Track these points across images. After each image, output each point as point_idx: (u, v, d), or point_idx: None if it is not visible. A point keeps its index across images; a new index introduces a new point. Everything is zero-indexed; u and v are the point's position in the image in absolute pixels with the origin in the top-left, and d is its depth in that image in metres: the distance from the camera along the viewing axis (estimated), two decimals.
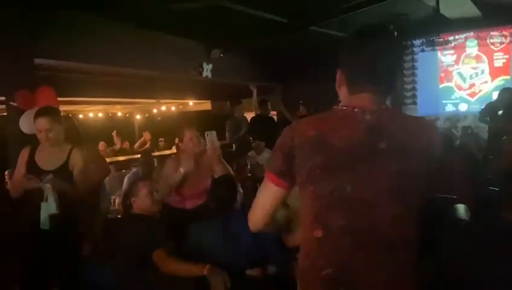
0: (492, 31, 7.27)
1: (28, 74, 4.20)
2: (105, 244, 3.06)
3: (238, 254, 2.36)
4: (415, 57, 7.90)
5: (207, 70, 6.53)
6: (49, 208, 2.52)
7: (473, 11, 6.32)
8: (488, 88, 7.38)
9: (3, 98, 4.27)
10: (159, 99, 9.58)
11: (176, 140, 3.40)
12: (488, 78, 7.46)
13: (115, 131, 8.76)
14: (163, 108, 10.62)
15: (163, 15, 4.92)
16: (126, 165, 6.66)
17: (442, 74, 7.83)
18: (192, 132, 3.26)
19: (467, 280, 1.66)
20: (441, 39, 6.79)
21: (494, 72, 7.39)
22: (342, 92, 1.31)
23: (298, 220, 1.32)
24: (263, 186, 1.35)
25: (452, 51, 7.64)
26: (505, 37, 7.18)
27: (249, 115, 6.97)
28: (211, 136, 3.10)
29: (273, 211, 1.34)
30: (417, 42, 7.58)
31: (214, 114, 9.39)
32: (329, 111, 1.28)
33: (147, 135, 9.22)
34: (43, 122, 2.69)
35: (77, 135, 3.66)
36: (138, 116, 11.59)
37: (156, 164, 5.54)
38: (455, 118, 7.55)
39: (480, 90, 7.53)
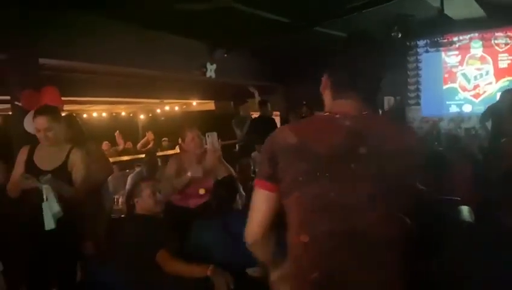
0: (497, 32, 7.24)
1: (33, 74, 4.22)
2: (108, 244, 3.06)
3: (239, 253, 2.36)
4: (419, 57, 7.88)
5: (211, 70, 6.54)
6: (52, 207, 2.48)
7: (477, 11, 6.30)
8: (493, 89, 7.34)
9: (8, 98, 4.29)
10: (163, 99, 9.60)
11: (179, 140, 3.41)
12: (493, 79, 7.43)
13: (117, 131, 8.77)
14: (167, 108, 10.64)
15: (167, 15, 4.93)
16: (129, 165, 6.68)
17: (446, 75, 7.80)
18: (193, 132, 3.27)
19: (468, 281, 1.66)
20: (445, 40, 6.75)
21: (499, 73, 7.36)
22: (326, 96, 1.37)
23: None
24: (254, 196, 1.35)
25: (456, 52, 7.61)
26: (510, 38, 7.14)
27: (255, 115, 7.00)
28: (212, 137, 3.11)
29: (269, 219, 1.33)
30: (421, 43, 7.55)
31: (218, 114, 9.41)
32: (311, 117, 1.32)
33: (149, 135, 9.24)
34: (42, 121, 2.65)
35: (81, 134, 3.67)
36: (142, 116, 11.62)
37: (159, 163, 5.57)
38: (459, 119, 7.52)
39: (484, 92, 7.50)
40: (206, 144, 3.21)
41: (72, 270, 2.72)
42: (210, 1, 4.41)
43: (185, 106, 10.66)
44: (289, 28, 5.88)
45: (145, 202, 2.66)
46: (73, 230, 2.70)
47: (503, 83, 7.25)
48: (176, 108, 10.56)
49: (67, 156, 2.70)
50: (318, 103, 1.43)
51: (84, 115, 10.11)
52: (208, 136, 3.12)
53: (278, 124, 6.81)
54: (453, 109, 7.72)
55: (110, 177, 4.54)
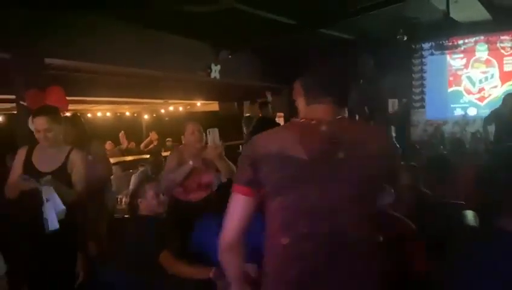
0: (503, 35, 7.22)
1: (38, 74, 4.23)
2: (111, 244, 3.06)
3: None
4: (424, 60, 7.87)
5: (215, 71, 6.55)
6: (56, 205, 2.42)
7: (483, 14, 6.28)
8: (498, 93, 7.31)
9: (13, 97, 4.31)
10: (167, 100, 9.62)
11: (183, 139, 3.42)
12: (498, 82, 7.40)
13: (122, 132, 8.79)
14: (171, 108, 10.66)
15: (171, 16, 4.94)
16: (133, 165, 6.69)
17: (451, 78, 7.78)
18: (194, 126, 3.28)
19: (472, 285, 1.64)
20: (451, 43, 6.74)
21: (504, 77, 7.33)
22: (300, 102, 1.43)
23: None
24: (232, 201, 1.36)
25: (461, 55, 7.60)
26: None
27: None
28: (213, 133, 3.09)
29: (245, 225, 1.35)
30: (426, 45, 7.55)
31: (222, 115, 9.41)
32: (288, 123, 1.38)
33: (153, 135, 9.27)
34: (41, 121, 2.58)
35: (84, 134, 3.67)
36: (146, 116, 11.64)
37: (164, 163, 5.57)
38: (463, 122, 7.50)
39: (489, 95, 7.47)
40: (208, 141, 3.20)
41: (73, 271, 2.69)
42: (214, 3, 4.41)
43: (189, 107, 10.68)
44: (293, 29, 5.88)
45: (148, 203, 2.66)
46: (74, 231, 2.67)
47: (509, 86, 7.23)
48: (180, 108, 10.58)
49: (67, 157, 2.65)
50: None
51: (89, 115, 10.14)
52: (209, 132, 3.10)
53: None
54: (458, 112, 7.70)
55: (113, 177, 4.56)
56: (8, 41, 4.00)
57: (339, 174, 1.26)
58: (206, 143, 3.17)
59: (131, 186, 4.82)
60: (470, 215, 2.32)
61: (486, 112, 6.62)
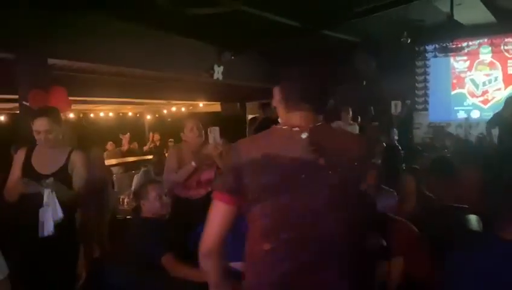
0: (507, 38, 7.18)
1: (41, 74, 4.24)
2: (112, 245, 3.06)
3: (241, 253, 2.35)
4: (427, 62, 7.84)
5: (218, 72, 6.55)
6: (54, 213, 2.39)
7: (487, 17, 6.26)
8: (501, 95, 7.27)
9: (16, 97, 4.32)
10: (169, 100, 9.62)
11: (182, 136, 3.42)
12: (502, 85, 7.37)
13: (128, 134, 8.79)
14: (174, 109, 10.67)
15: (175, 17, 4.94)
16: (135, 166, 6.69)
17: (455, 80, 7.76)
18: (193, 122, 3.29)
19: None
20: (454, 45, 6.71)
21: (508, 79, 7.30)
22: (280, 109, 1.44)
23: None
24: (213, 208, 1.37)
25: (465, 57, 7.57)
26: None
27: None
28: (214, 132, 3.09)
29: (225, 231, 1.36)
30: (430, 48, 7.51)
31: (224, 115, 9.41)
32: (269, 130, 1.38)
33: (155, 136, 9.30)
34: (42, 123, 2.55)
35: (84, 139, 3.67)
36: (148, 117, 11.65)
37: None
38: (467, 124, 7.46)
39: (493, 98, 7.44)
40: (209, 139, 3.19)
41: (73, 273, 2.67)
42: (220, 5, 4.41)
43: (191, 107, 10.68)
44: (297, 31, 5.87)
45: (151, 205, 2.64)
46: (75, 232, 2.66)
47: None
48: (183, 109, 10.58)
49: (68, 158, 2.62)
50: None
51: (91, 115, 10.16)
52: (210, 131, 3.10)
53: None
54: (461, 114, 7.67)
55: (114, 177, 4.57)
56: (12, 42, 4.01)
57: (320, 180, 1.28)
58: (207, 140, 3.18)
59: (133, 187, 4.82)
60: (473, 219, 2.30)
61: (489, 115, 6.59)
